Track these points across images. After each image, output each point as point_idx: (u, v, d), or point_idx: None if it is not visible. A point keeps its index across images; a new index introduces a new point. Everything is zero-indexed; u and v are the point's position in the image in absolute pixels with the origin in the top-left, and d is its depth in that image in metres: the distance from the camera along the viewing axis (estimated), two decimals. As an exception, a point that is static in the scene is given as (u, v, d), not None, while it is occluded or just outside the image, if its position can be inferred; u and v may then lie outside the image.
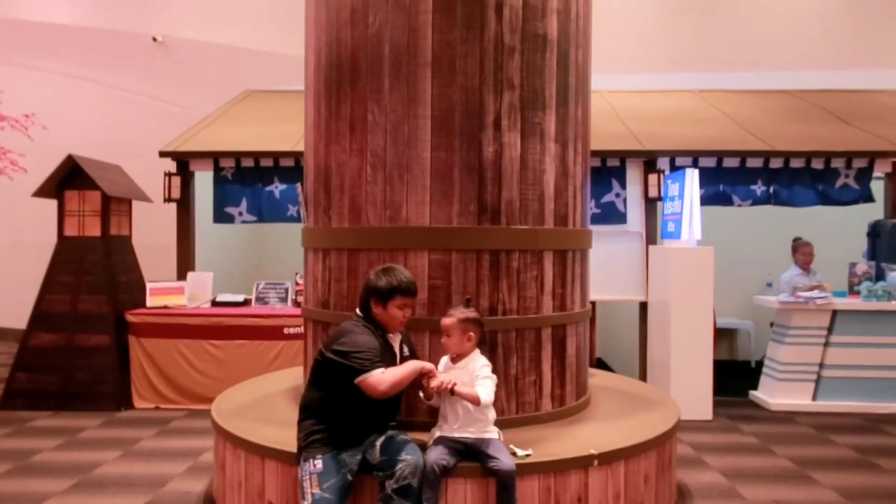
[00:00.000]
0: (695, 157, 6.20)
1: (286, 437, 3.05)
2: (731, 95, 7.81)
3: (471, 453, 2.85)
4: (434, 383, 2.80)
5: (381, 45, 3.40)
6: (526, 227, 3.44)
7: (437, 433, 2.94)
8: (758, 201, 6.24)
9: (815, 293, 5.65)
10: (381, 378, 2.73)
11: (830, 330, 5.66)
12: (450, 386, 2.78)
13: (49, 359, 5.68)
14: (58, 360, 5.67)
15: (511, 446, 2.94)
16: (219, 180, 6.43)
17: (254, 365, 5.52)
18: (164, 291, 5.99)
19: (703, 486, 3.95)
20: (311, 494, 2.66)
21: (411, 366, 2.85)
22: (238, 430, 3.28)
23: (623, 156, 6.23)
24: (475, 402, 2.83)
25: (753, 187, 6.22)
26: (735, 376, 6.75)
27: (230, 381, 4.82)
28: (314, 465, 2.73)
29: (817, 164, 6.17)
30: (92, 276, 5.80)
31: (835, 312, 5.65)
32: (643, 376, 6.02)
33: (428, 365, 2.88)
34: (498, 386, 3.30)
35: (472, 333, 2.94)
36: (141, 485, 3.91)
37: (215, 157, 6.37)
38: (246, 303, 6.12)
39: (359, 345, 2.79)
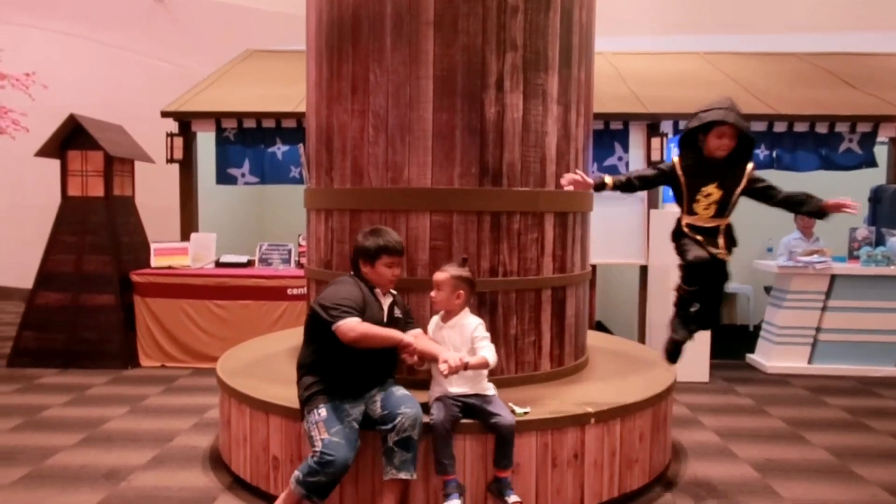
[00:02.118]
0: (698, 120, 6.15)
1: (290, 394, 3.12)
2: (736, 58, 7.72)
3: (470, 411, 2.91)
4: (443, 368, 2.75)
5: (383, 3, 3.36)
6: (527, 189, 3.46)
7: (436, 392, 2.99)
8: (760, 165, 6.21)
9: (815, 258, 5.68)
10: (354, 326, 2.78)
11: (829, 294, 5.71)
12: (462, 365, 2.78)
13: (55, 318, 5.76)
14: (64, 319, 5.75)
15: (510, 404, 3.00)
16: (221, 141, 6.42)
17: (257, 325, 5.59)
18: (168, 252, 6.03)
19: (697, 444, 4.03)
20: (320, 441, 2.73)
21: (391, 333, 2.89)
22: (243, 388, 3.36)
23: (626, 119, 6.20)
24: (486, 366, 2.87)
25: (756, 151, 6.18)
26: (733, 340, 6.82)
27: (234, 341, 4.89)
28: (318, 414, 2.80)
29: (821, 129, 6.13)
30: (96, 236, 5.84)
31: (833, 277, 5.69)
32: (642, 339, 6.10)
33: (407, 339, 2.88)
34: (497, 346, 3.36)
35: (462, 291, 2.97)
36: (148, 440, 4.01)
37: (217, 117, 6.35)
38: (249, 264, 6.17)
39: (339, 293, 2.88)
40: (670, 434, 3.73)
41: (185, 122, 6.42)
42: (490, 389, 2.99)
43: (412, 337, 2.94)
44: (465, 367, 2.80)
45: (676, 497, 3.30)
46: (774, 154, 6.19)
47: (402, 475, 2.76)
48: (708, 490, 3.38)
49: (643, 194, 6.30)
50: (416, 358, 2.92)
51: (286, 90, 6.62)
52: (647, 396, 3.31)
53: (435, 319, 3.12)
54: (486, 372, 3.00)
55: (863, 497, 3.34)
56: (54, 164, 5.96)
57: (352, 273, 3.05)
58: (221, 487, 3.36)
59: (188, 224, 6.50)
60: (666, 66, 7.46)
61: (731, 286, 7.56)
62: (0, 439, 4.00)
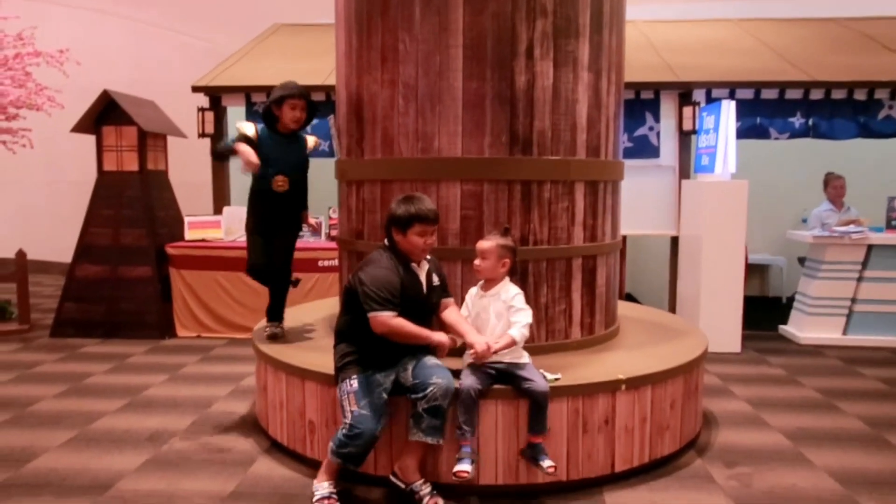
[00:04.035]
0: (731, 88, 6.04)
1: (324, 361, 3.19)
2: (771, 24, 7.52)
3: (503, 377, 2.95)
4: (471, 355, 2.86)
5: (413, -29, 3.35)
6: (557, 157, 3.44)
7: (469, 359, 3.03)
8: (796, 134, 6.09)
9: (851, 227, 5.58)
10: (386, 321, 2.81)
11: (865, 265, 5.61)
12: (490, 352, 2.83)
13: (95, 289, 5.92)
14: (103, 290, 5.91)
15: (541, 371, 3.02)
16: (251, 116, 6.47)
17: (290, 296, 5.62)
18: (202, 225, 6.14)
19: (729, 413, 4.03)
20: (350, 412, 2.81)
21: (422, 333, 2.90)
22: (279, 355, 3.44)
23: (657, 88, 6.10)
24: (512, 345, 2.90)
25: (792, 120, 6.06)
26: (765, 311, 6.75)
27: (268, 312, 4.98)
28: (351, 385, 2.86)
29: (860, 95, 5.97)
30: (131, 210, 5.97)
31: (870, 247, 5.59)
32: (672, 312, 6.06)
33: (437, 339, 2.91)
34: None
35: (507, 260, 2.99)
36: (188, 405, 4.13)
37: (247, 91, 6.40)
38: (280, 237, 6.24)
39: (377, 281, 2.84)
40: (701, 402, 3.73)
41: (216, 97, 6.48)
42: (524, 357, 3.02)
43: (444, 336, 2.95)
44: (493, 352, 2.85)
45: (707, 463, 3.31)
46: (811, 122, 6.05)
47: (428, 440, 2.80)
48: (739, 457, 3.39)
49: (675, 163, 6.24)
50: (472, 359, 2.92)
51: (314, 64, 6.63)
52: (678, 364, 3.31)
53: (473, 290, 3.14)
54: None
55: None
56: (88, 140, 6.07)
57: (385, 244, 3.03)
58: (260, 450, 3.46)
59: (220, 197, 6.60)
60: (699, 34, 7.30)
61: (763, 258, 7.52)
62: (48, 404, 4.16)
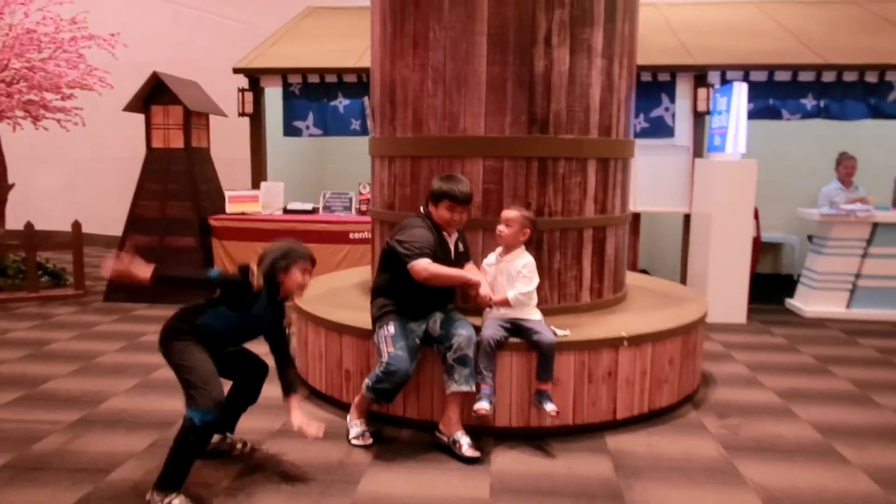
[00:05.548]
0: (746, 70, 6.27)
1: (359, 317, 3.60)
2: (789, 6, 7.67)
3: (517, 331, 3.33)
4: (482, 294, 3.24)
5: (442, -34, 3.68)
6: (572, 136, 3.78)
7: (489, 315, 3.42)
8: (807, 115, 6.31)
9: (858, 205, 5.83)
10: (426, 266, 3.17)
11: (870, 241, 5.86)
12: (489, 300, 3.25)
13: (144, 258, 6.12)
14: (151, 258, 6.12)
15: (552, 327, 3.39)
16: (287, 96, 6.86)
17: (323, 266, 5.95)
18: (241, 199, 6.57)
19: (726, 375, 4.37)
20: (387, 353, 3.21)
21: (459, 273, 3.31)
22: (319, 312, 3.85)
23: (673, 70, 6.35)
24: (505, 304, 3.29)
25: (804, 101, 6.27)
26: (777, 288, 7.00)
27: (304, 278, 5.40)
28: (388, 330, 3.26)
29: (871, 77, 6.16)
30: (177, 184, 6.42)
31: (875, 225, 5.83)
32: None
33: (473, 279, 3.29)
34: (542, 279, 3.75)
35: (527, 230, 3.36)
36: (235, 360, 4.58)
37: (284, 73, 6.78)
38: (314, 211, 6.66)
39: (414, 236, 3.25)
40: (700, 362, 4.08)
41: (254, 78, 6.87)
42: (536, 314, 3.40)
43: (478, 278, 3.33)
44: (490, 301, 3.24)
45: (701, 414, 3.67)
46: (822, 103, 6.26)
47: (463, 388, 3.17)
48: (731, 410, 3.74)
49: (689, 143, 6.50)
50: (481, 294, 3.26)
51: (346, 46, 6.98)
52: (676, 325, 3.65)
53: (493, 255, 3.51)
54: (534, 300, 3.40)
55: (876, 420, 3.64)
56: (132, 119, 6.50)
57: (421, 213, 3.41)
58: (301, 397, 3.88)
59: (258, 173, 7.03)
60: (718, 16, 7.49)
61: (776, 236, 7.76)
62: (110, 358, 4.64)
